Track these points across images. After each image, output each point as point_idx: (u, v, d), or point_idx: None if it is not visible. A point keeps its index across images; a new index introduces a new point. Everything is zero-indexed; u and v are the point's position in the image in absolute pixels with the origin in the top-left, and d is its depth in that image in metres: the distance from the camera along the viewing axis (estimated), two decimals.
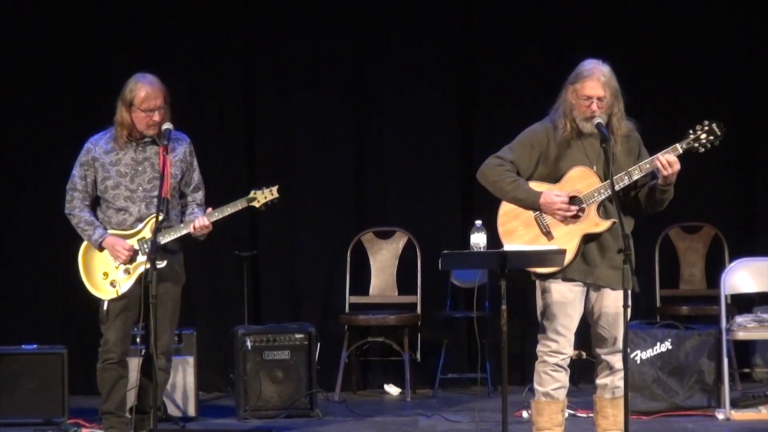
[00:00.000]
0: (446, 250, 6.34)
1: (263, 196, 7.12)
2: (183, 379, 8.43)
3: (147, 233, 7.04)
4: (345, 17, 9.62)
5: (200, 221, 7.00)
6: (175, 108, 7.16)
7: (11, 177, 9.31)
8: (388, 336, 9.33)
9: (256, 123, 9.66)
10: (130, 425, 7.27)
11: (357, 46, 9.65)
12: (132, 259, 7.07)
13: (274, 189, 7.14)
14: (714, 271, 9.12)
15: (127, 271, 7.09)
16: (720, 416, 8.17)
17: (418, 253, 9.48)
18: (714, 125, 6.35)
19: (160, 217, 6.99)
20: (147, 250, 6.97)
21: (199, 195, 7.27)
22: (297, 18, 9.58)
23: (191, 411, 8.43)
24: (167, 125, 7.02)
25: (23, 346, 8.37)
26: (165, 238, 7.01)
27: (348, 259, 9.52)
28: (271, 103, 9.66)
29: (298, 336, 8.50)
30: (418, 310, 9.39)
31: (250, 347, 8.44)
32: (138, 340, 8.03)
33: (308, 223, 9.64)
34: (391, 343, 9.29)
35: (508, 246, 6.40)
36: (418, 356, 9.39)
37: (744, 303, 9.09)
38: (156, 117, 7.02)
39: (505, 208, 6.53)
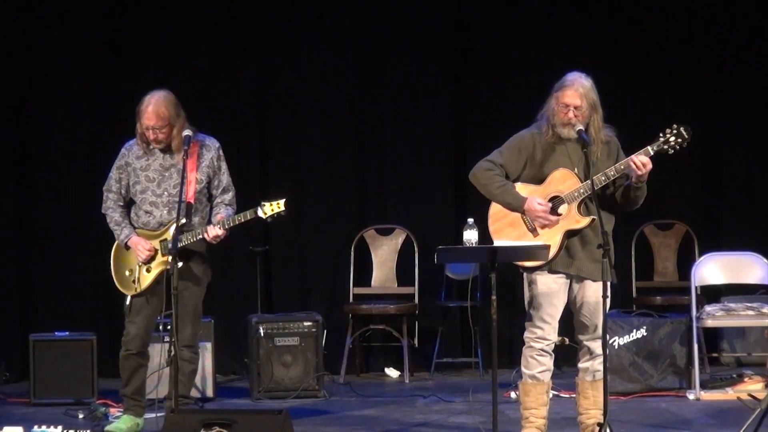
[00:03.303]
0: (441, 245, 6.32)
1: (271, 208, 6.96)
2: (202, 363, 8.30)
3: (169, 236, 6.98)
4: (348, 31, 9.60)
5: (213, 231, 6.89)
6: (195, 118, 7.11)
7: (48, 180, 9.31)
8: (388, 324, 9.33)
9: (269, 132, 9.64)
10: (159, 407, 7.23)
11: (359, 59, 9.63)
12: (152, 258, 7.04)
13: (282, 202, 6.98)
14: (685, 264, 9.10)
15: (147, 270, 7.06)
16: (691, 397, 8.19)
17: (416, 249, 9.47)
18: (682, 129, 6.30)
19: (182, 221, 6.94)
20: (168, 250, 6.92)
21: (228, 196, 7.13)
22: (305, 34, 9.58)
23: (209, 392, 8.43)
24: (186, 132, 6.94)
25: (56, 333, 8.40)
26: (183, 242, 6.93)
27: (352, 253, 9.52)
28: (282, 115, 9.64)
29: (306, 324, 8.51)
30: (416, 300, 9.39)
31: (262, 334, 8.46)
32: (160, 328, 8.08)
33: (316, 221, 9.62)
34: (391, 330, 9.29)
35: (498, 242, 6.38)
36: (416, 342, 9.40)
37: (712, 293, 9.11)
38: (152, 135, 6.95)
39: (495, 209, 6.52)
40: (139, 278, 7.07)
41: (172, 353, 6.87)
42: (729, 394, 8.12)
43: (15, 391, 8.67)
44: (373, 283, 9.56)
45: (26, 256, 9.37)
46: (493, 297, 6.23)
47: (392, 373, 9.48)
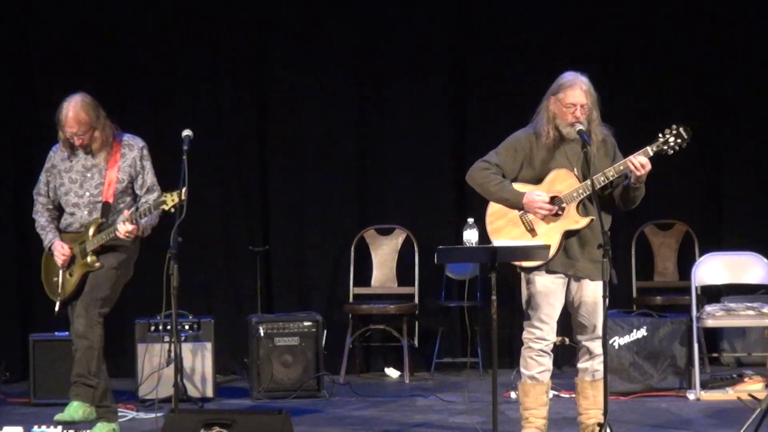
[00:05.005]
0: (441, 245, 6.31)
1: (171, 199, 6.71)
2: (201, 363, 8.42)
3: (88, 238, 6.93)
4: (348, 30, 9.60)
5: (123, 228, 6.80)
6: (195, 116, 7.06)
7: None
8: (388, 324, 9.33)
9: (269, 131, 9.62)
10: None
11: (359, 57, 9.63)
12: (71, 263, 6.98)
13: (182, 191, 6.67)
14: (685, 264, 9.11)
15: (70, 274, 7.01)
16: (691, 397, 8.18)
17: (416, 248, 9.47)
18: (681, 129, 6.29)
19: (102, 221, 6.92)
20: (85, 253, 6.91)
21: (152, 197, 7.00)
22: (305, 32, 9.57)
23: (209, 392, 8.41)
24: (186, 132, 6.83)
25: (56, 333, 8.35)
26: (97, 242, 6.89)
27: (352, 253, 9.52)
28: (282, 113, 9.62)
29: (306, 324, 8.50)
30: (416, 300, 9.39)
31: (262, 334, 8.45)
32: (160, 328, 8.10)
33: (315, 221, 9.62)
34: (391, 330, 9.28)
35: (496, 242, 6.35)
36: (416, 342, 9.41)
37: (713, 293, 9.13)
38: (78, 141, 6.92)
39: (493, 208, 6.50)
40: (63, 283, 7.04)
41: (173, 353, 6.90)
42: (729, 394, 8.11)
43: (15, 391, 8.68)
44: (373, 283, 9.56)
45: (26, 256, 9.34)
46: (493, 297, 6.23)
47: (392, 373, 9.47)
